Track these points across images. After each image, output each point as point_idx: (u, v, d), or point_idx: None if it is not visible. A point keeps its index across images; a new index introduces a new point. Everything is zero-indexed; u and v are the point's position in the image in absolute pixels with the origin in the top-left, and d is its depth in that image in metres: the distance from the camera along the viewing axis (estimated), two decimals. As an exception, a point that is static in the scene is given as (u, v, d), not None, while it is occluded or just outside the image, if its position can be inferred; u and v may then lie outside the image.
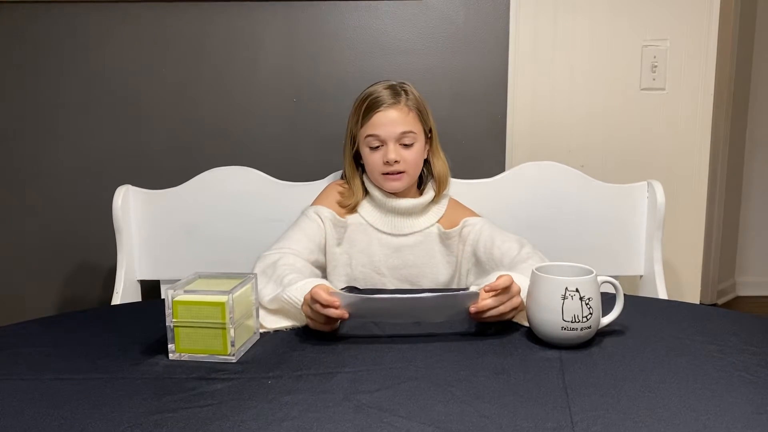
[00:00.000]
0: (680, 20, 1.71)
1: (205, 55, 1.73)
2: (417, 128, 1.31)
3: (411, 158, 1.31)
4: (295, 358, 0.91)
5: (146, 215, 1.55)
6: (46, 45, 1.72)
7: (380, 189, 1.34)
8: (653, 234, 1.52)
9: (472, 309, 0.96)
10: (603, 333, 0.97)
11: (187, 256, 1.56)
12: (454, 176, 1.43)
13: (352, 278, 1.34)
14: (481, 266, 1.31)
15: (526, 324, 0.99)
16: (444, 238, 1.35)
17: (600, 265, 1.01)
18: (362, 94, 1.33)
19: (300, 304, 1.00)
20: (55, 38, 1.72)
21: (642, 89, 1.74)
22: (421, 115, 1.33)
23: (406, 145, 1.30)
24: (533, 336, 0.96)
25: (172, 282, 1.18)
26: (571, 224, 1.57)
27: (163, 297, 1.10)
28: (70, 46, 1.72)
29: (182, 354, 0.91)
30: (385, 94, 1.30)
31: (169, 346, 0.91)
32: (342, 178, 1.42)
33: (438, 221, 1.36)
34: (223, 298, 0.89)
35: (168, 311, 0.90)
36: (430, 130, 1.36)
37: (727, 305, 3.00)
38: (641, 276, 1.57)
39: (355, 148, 1.35)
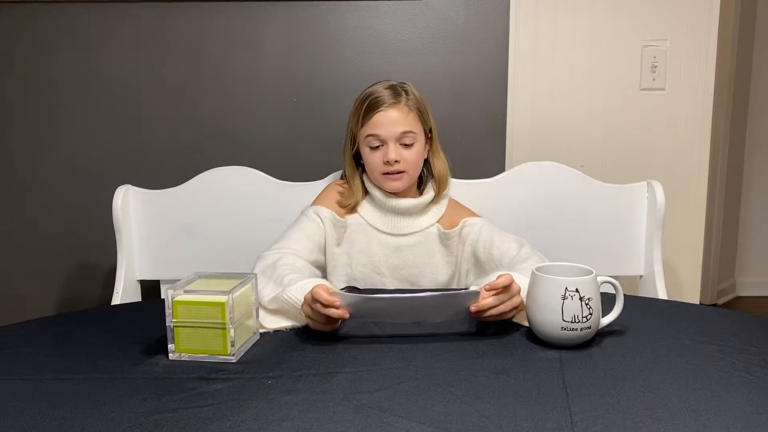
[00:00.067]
0: (680, 20, 1.71)
1: (205, 55, 1.73)
2: (417, 128, 1.31)
3: (411, 158, 1.31)
4: (295, 358, 0.91)
5: (146, 215, 1.55)
6: (46, 45, 1.72)
7: (380, 189, 1.34)
8: (653, 234, 1.52)
9: (473, 308, 0.96)
10: (603, 333, 0.97)
11: (187, 256, 1.56)
12: (454, 176, 1.43)
13: (352, 278, 1.34)
14: (480, 266, 1.31)
15: (526, 324, 0.99)
16: (444, 239, 1.35)
17: (600, 265, 1.01)
18: (362, 94, 1.33)
19: (300, 304, 1.00)
20: (55, 38, 1.72)
21: (642, 89, 1.74)
22: (422, 115, 1.33)
23: (407, 145, 1.30)
24: (533, 336, 0.96)
25: (172, 282, 1.18)
26: (570, 224, 1.57)
27: (163, 297, 1.10)
28: (70, 46, 1.72)
29: (182, 354, 0.91)
30: (385, 94, 1.30)
31: (169, 346, 0.91)
32: (342, 178, 1.42)
33: (438, 221, 1.36)
34: (223, 298, 0.89)
35: (168, 311, 0.90)
36: (430, 130, 1.36)
37: (727, 305, 3.00)
38: (641, 276, 1.57)
39: (355, 148, 1.35)
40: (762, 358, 0.89)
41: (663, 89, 1.74)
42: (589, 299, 0.91)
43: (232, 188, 1.57)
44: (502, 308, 0.97)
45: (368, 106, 1.30)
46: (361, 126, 1.31)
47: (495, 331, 1.00)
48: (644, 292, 1.54)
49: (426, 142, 1.36)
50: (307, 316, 0.99)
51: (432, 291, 1.00)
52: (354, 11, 1.72)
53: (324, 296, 0.94)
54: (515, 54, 1.73)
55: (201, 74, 1.74)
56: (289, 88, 1.75)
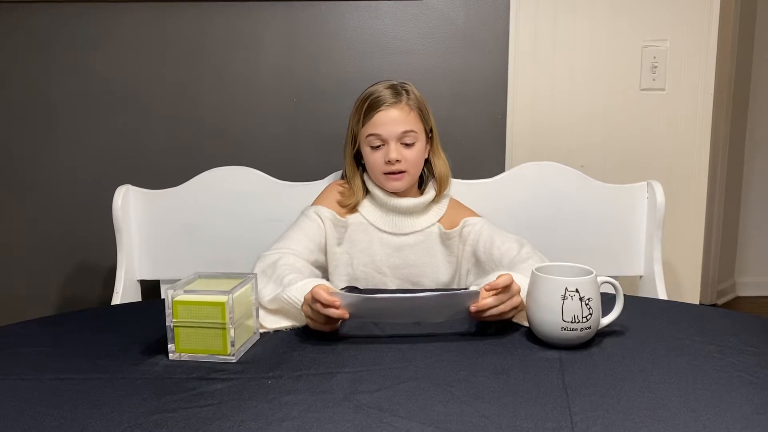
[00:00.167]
0: (680, 20, 1.71)
1: (205, 55, 1.73)
2: (418, 127, 1.31)
3: (412, 157, 1.31)
4: (294, 358, 0.91)
5: (146, 215, 1.55)
6: (46, 45, 1.72)
7: (381, 188, 1.34)
8: (653, 234, 1.52)
9: (473, 308, 0.96)
10: (603, 333, 0.97)
11: (187, 256, 1.56)
12: (454, 176, 1.43)
13: (354, 278, 1.34)
14: (480, 266, 1.31)
15: (526, 324, 0.99)
16: (444, 238, 1.36)
17: (600, 266, 1.01)
18: (363, 94, 1.33)
19: (300, 304, 1.00)
20: (55, 38, 1.72)
21: (642, 89, 1.74)
22: (422, 114, 1.33)
23: (407, 145, 1.30)
24: (533, 336, 0.96)
25: (172, 282, 1.18)
26: (570, 224, 1.57)
27: (163, 297, 1.10)
28: (70, 46, 1.72)
29: (182, 354, 0.91)
30: (386, 94, 1.30)
31: (169, 346, 0.91)
32: (342, 177, 1.42)
33: (438, 221, 1.37)
34: (223, 298, 0.89)
35: (168, 311, 0.90)
36: (431, 130, 1.36)
37: (727, 305, 3.00)
38: (641, 276, 1.57)
39: (356, 148, 1.35)
40: (762, 358, 0.89)
41: (663, 89, 1.74)
42: (589, 299, 0.91)
43: (232, 188, 1.57)
44: (501, 308, 0.97)
45: (369, 106, 1.30)
46: (362, 125, 1.31)
47: (495, 331, 1.00)
48: (644, 293, 1.54)
49: (427, 142, 1.36)
50: (307, 316, 0.99)
51: (432, 291, 1.00)
52: (354, 11, 1.72)
53: (324, 296, 0.94)
54: (515, 54, 1.73)
55: (201, 74, 1.74)
56: (289, 88, 1.75)
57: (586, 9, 1.71)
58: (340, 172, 1.49)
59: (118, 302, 1.47)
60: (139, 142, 1.76)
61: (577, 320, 0.91)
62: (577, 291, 0.90)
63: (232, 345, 0.90)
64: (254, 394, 0.80)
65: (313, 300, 0.96)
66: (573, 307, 0.90)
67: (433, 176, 1.38)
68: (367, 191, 1.37)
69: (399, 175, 1.31)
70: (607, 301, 0.97)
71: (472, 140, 1.76)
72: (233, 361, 0.90)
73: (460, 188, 1.46)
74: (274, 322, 1.03)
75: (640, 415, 0.73)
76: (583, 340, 0.93)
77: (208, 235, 1.56)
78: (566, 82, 1.75)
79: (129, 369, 0.87)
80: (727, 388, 0.80)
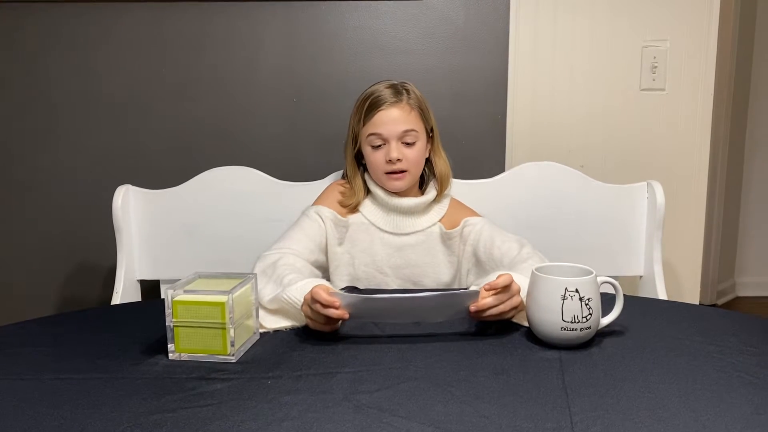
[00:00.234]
0: (680, 20, 1.71)
1: (205, 55, 1.73)
2: (419, 127, 1.31)
3: (413, 157, 1.31)
4: (294, 358, 0.91)
5: (146, 215, 1.55)
6: (46, 45, 1.72)
7: (382, 188, 1.34)
8: (653, 234, 1.52)
9: (472, 308, 0.96)
10: (603, 333, 0.97)
11: (187, 256, 1.56)
12: (454, 176, 1.43)
13: (355, 278, 1.34)
14: (481, 266, 1.31)
15: (526, 324, 0.99)
16: (445, 238, 1.36)
17: (600, 266, 1.01)
18: (364, 94, 1.33)
19: (300, 304, 1.00)
20: (55, 38, 1.72)
21: (642, 90, 1.74)
22: (423, 114, 1.33)
23: (408, 144, 1.30)
24: (533, 336, 0.96)
25: (171, 282, 1.18)
26: (570, 224, 1.57)
27: (162, 297, 1.10)
28: (70, 46, 1.72)
29: (182, 354, 0.91)
30: (386, 93, 1.30)
31: (169, 346, 0.91)
32: (343, 177, 1.42)
33: (439, 221, 1.37)
34: (222, 298, 0.89)
35: (168, 311, 0.90)
36: (432, 130, 1.36)
37: (727, 306, 3.00)
38: (641, 276, 1.57)
39: (357, 148, 1.35)
40: (761, 358, 0.89)
41: (663, 89, 1.74)
42: (588, 299, 0.91)
43: (232, 188, 1.57)
44: (501, 308, 0.97)
45: (370, 105, 1.30)
46: (363, 125, 1.31)
47: (495, 331, 1.00)
48: (644, 293, 1.54)
49: (427, 142, 1.36)
50: (307, 317, 0.99)
51: (431, 291, 1.00)
52: (354, 11, 1.72)
53: (323, 296, 0.94)
54: (515, 54, 1.73)
55: (201, 74, 1.74)
56: (289, 88, 1.75)
57: (586, 9, 1.71)
58: (340, 172, 1.49)
59: (118, 302, 1.47)
60: (139, 142, 1.76)
61: (576, 320, 0.91)
62: (576, 291, 0.90)
63: (232, 345, 0.90)
64: (254, 394, 0.80)
65: (312, 300, 0.96)
66: (573, 307, 0.90)
67: (434, 176, 1.38)
68: (368, 191, 1.37)
69: (400, 174, 1.31)
70: (607, 301, 0.97)
71: (472, 140, 1.76)
72: (233, 361, 0.90)
73: (460, 188, 1.46)
74: (273, 322, 1.03)
75: (640, 415, 0.73)
76: (583, 340, 0.93)
77: (208, 235, 1.56)
78: (566, 82, 1.75)
79: (129, 369, 0.87)
80: (726, 389, 0.80)
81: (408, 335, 0.98)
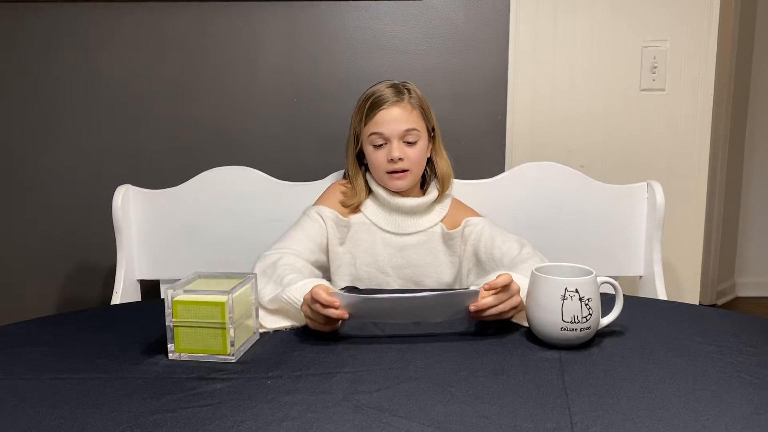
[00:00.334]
0: (680, 21, 1.71)
1: (205, 55, 1.73)
2: (420, 126, 1.32)
3: (414, 156, 1.31)
4: (294, 358, 0.91)
5: (146, 215, 1.55)
6: (46, 45, 1.72)
7: (384, 188, 1.34)
8: (653, 234, 1.52)
9: (472, 307, 0.96)
10: (602, 333, 0.97)
11: (186, 256, 1.56)
12: (454, 176, 1.43)
13: (357, 278, 1.34)
14: (481, 266, 1.31)
15: (526, 324, 0.99)
16: (447, 239, 1.36)
17: (599, 266, 1.01)
18: (365, 93, 1.33)
19: (299, 304, 1.00)
20: (55, 38, 1.72)
21: (642, 90, 1.74)
22: (424, 113, 1.33)
23: (410, 143, 1.30)
24: (533, 336, 0.96)
25: (171, 282, 1.18)
26: (570, 225, 1.57)
27: (162, 297, 1.10)
28: (70, 46, 1.72)
29: (182, 354, 0.91)
30: (388, 93, 1.30)
31: (169, 345, 0.91)
32: (344, 177, 1.42)
33: (441, 221, 1.37)
34: (222, 298, 0.89)
35: (167, 311, 0.90)
36: (433, 129, 1.36)
37: (727, 306, 3.00)
38: (641, 276, 1.57)
39: (358, 147, 1.35)
40: (761, 358, 0.89)
41: (663, 90, 1.74)
42: (588, 300, 0.91)
43: (232, 188, 1.57)
44: (501, 308, 0.97)
45: (371, 105, 1.30)
46: (365, 124, 1.31)
47: (495, 331, 1.00)
48: (644, 293, 1.54)
49: (429, 141, 1.36)
50: (307, 317, 0.99)
51: (431, 291, 1.00)
52: (354, 11, 1.72)
53: (323, 296, 0.94)
54: (515, 54, 1.73)
55: (201, 74, 1.74)
56: (289, 88, 1.75)
57: (586, 9, 1.71)
58: (340, 172, 1.50)
59: (117, 302, 1.47)
60: (139, 142, 1.76)
61: (576, 320, 0.91)
62: (576, 291, 0.90)
63: (232, 345, 0.90)
64: (254, 394, 0.80)
65: (312, 300, 0.96)
66: (573, 308, 0.90)
67: (436, 176, 1.38)
68: (369, 191, 1.37)
69: (402, 173, 1.31)
70: (607, 301, 0.97)
71: (472, 140, 1.76)
72: (233, 361, 0.90)
73: (460, 188, 1.46)
74: (273, 322, 1.03)
75: (640, 416, 0.73)
76: (583, 341, 0.93)
77: (208, 235, 1.56)
78: (566, 82, 1.75)
79: (129, 369, 0.87)
80: (726, 389, 0.80)
81: (408, 335, 0.98)
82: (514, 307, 1.00)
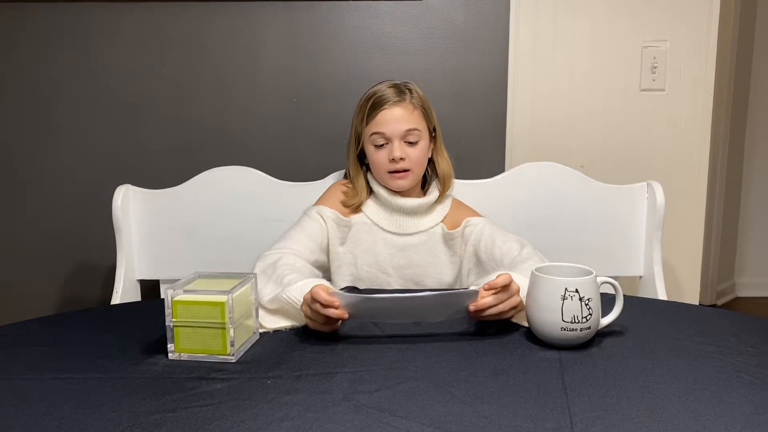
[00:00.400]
0: (680, 21, 1.71)
1: (206, 55, 1.73)
2: (422, 126, 1.32)
3: (416, 156, 1.31)
4: (294, 358, 0.91)
5: (146, 215, 1.55)
6: (46, 45, 1.72)
7: (386, 188, 1.34)
8: (653, 235, 1.52)
9: (472, 307, 0.96)
10: (602, 333, 0.97)
11: (186, 256, 1.56)
12: (454, 176, 1.43)
13: (358, 278, 1.34)
14: (482, 266, 1.31)
15: (526, 324, 0.99)
16: (447, 239, 1.36)
17: (599, 266, 1.01)
18: (366, 93, 1.33)
19: (299, 304, 1.00)
20: (55, 38, 1.72)
21: (642, 90, 1.74)
22: (426, 113, 1.33)
23: (411, 143, 1.31)
24: (533, 336, 0.96)
25: (171, 282, 1.18)
26: (570, 225, 1.57)
27: (162, 297, 1.10)
28: (70, 46, 1.72)
29: (182, 354, 0.91)
30: (389, 93, 1.30)
31: (169, 345, 0.91)
32: (345, 177, 1.42)
33: (442, 221, 1.37)
34: (222, 298, 0.89)
35: (167, 311, 0.90)
36: (434, 129, 1.36)
37: (727, 306, 3.00)
38: (641, 277, 1.57)
39: (359, 147, 1.35)
40: (761, 358, 0.89)
41: (663, 90, 1.74)
42: (588, 300, 0.91)
43: (232, 188, 1.57)
44: (501, 308, 0.97)
45: (373, 105, 1.30)
46: (366, 124, 1.31)
47: (494, 331, 1.00)
48: (644, 293, 1.54)
49: (430, 141, 1.36)
50: (307, 317, 0.99)
51: (431, 291, 1.00)
52: (354, 11, 1.72)
53: (323, 296, 0.94)
54: (515, 54, 1.73)
55: (201, 74, 1.74)
56: (289, 88, 1.75)
57: (586, 9, 1.72)
58: (340, 172, 1.50)
59: (117, 302, 1.47)
60: (139, 142, 1.76)
61: (576, 320, 0.91)
62: (576, 291, 0.90)
63: (232, 345, 0.90)
64: (254, 394, 0.80)
65: (312, 300, 0.96)
66: (573, 308, 0.90)
67: (437, 176, 1.38)
68: (370, 191, 1.37)
69: (403, 173, 1.31)
70: (607, 301, 0.97)
71: (472, 140, 1.76)
72: (233, 360, 0.90)
73: (460, 188, 1.46)
74: (273, 322, 1.03)
75: (640, 416, 0.73)
76: (583, 341, 0.93)
77: (208, 235, 1.56)
78: (566, 82, 1.75)
79: (128, 369, 0.87)
80: (726, 389, 0.80)
81: (408, 335, 0.98)
82: (514, 307, 1.00)
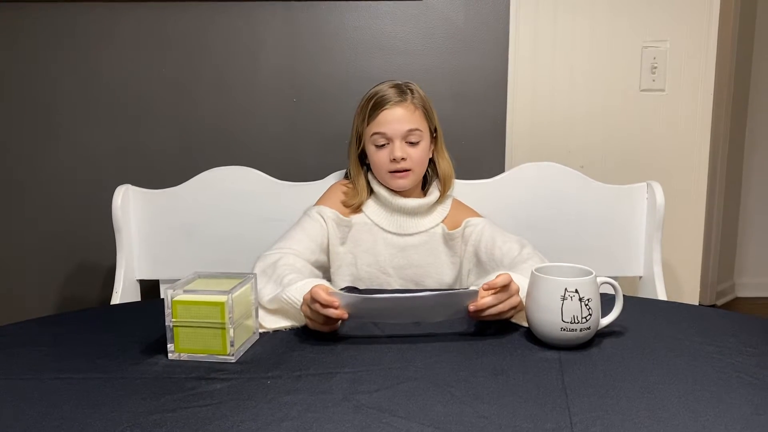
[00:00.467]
0: (680, 21, 1.71)
1: (206, 55, 1.73)
2: (423, 126, 1.32)
3: (417, 156, 1.31)
4: (294, 358, 0.91)
5: (146, 215, 1.55)
6: (45, 45, 1.72)
7: (386, 188, 1.34)
8: (652, 235, 1.52)
9: (471, 307, 0.96)
10: (602, 334, 0.97)
11: (186, 256, 1.56)
12: (455, 177, 1.43)
13: (358, 278, 1.34)
14: (482, 266, 1.31)
15: (526, 324, 0.99)
16: (447, 239, 1.36)
17: (599, 266, 1.01)
18: (368, 93, 1.33)
19: (299, 304, 1.00)
20: (55, 38, 1.71)
21: (642, 90, 1.74)
22: (427, 113, 1.34)
23: (412, 143, 1.31)
24: (532, 336, 0.96)
25: (171, 282, 1.18)
26: (570, 225, 1.57)
27: (162, 297, 1.10)
28: (70, 46, 1.72)
29: (181, 354, 0.91)
30: (391, 93, 1.30)
31: (169, 345, 0.91)
32: (345, 177, 1.42)
33: (442, 221, 1.37)
34: (222, 298, 0.89)
35: (167, 311, 0.90)
36: (436, 130, 1.37)
37: (726, 306, 3.00)
38: (640, 277, 1.57)
39: (360, 147, 1.36)
40: (761, 359, 0.89)
41: (663, 90, 1.74)
42: (588, 300, 0.91)
43: (232, 188, 1.57)
44: (500, 308, 0.97)
45: (374, 105, 1.30)
46: (367, 124, 1.31)
47: (494, 331, 1.00)
48: (644, 293, 1.54)
49: (431, 142, 1.36)
50: (306, 317, 0.99)
51: (431, 291, 1.00)
52: (354, 11, 1.72)
53: (323, 296, 0.94)
54: (515, 54, 1.73)
55: (201, 74, 1.74)
56: (289, 88, 1.75)
57: (586, 9, 1.72)
58: (339, 172, 1.50)
59: (117, 302, 1.47)
60: (139, 142, 1.76)
61: (576, 321, 0.91)
62: (576, 291, 0.90)
63: (232, 345, 0.90)
64: (253, 394, 0.80)
65: (312, 300, 0.96)
66: (572, 308, 0.90)
67: (437, 176, 1.38)
68: (371, 191, 1.37)
69: (404, 173, 1.31)
70: (607, 301, 0.97)
71: (472, 140, 1.76)
72: (232, 361, 0.90)
73: (460, 188, 1.46)
74: (273, 322, 1.03)
75: (640, 416, 0.73)
76: (583, 341, 0.93)
77: (208, 235, 1.56)
78: (566, 82, 1.75)
79: (128, 369, 0.87)
80: (726, 389, 0.80)
81: (408, 335, 0.99)
82: (514, 307, 1.00)
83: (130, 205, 1.53)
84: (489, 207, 1.44)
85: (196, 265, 1.49)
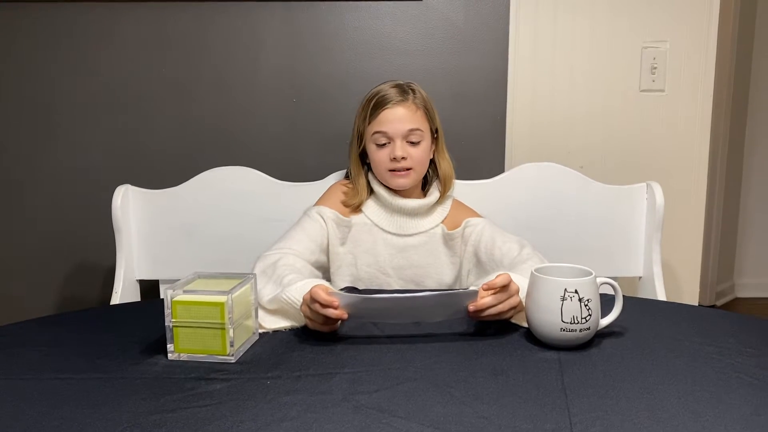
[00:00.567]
0: (680, 22, 1.71)
1: (206, 55, 1.73)
2: (424, 126, 1.32)
3: (418, 156, 1.31)
4: (294, 358, 0.91)
5: (146, 215, 1.55)
6: (46, 45, 1.72)
7: (386, 188, 1.34)
8: (652, 235, 1.52)
9: (471, 307, 0.96)
10: (602, 334, 0.97)
11: (186, 256, 1.56)
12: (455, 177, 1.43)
13: (357, 278, 1.34)
14: (481, 267, 1.31)
15: (525, 325, 0.99)
16: (447, 239, 1.36)
17: (599, 267, 1.01)
18: (370, 93, 1.34)
19: (299, 304, 1.00)
20: (54, 38, 1.71)
21: (641, 90, 1.75)
22: (428, 113, 1.34)
23: (413, 143, 1.31)
24: (532, 337, 0.96)
25: (171, 282, 1.18)
26: (570, 225, 1.57)
27: (162, 297, 1.10)
28: (70, 46, 1.72)
29: (181, 354, 0.91)
30: (392, 92, 1.31)
31: (168, 346, 0.91)
32: (345, 177, 1.42)
33: (442, 222, 1.37)
34: (222, 299, 0.89)
35: (167, 311, 0.90)
36: (437, 130, 1.37)
37: (726, 307, 3.00)
38: (640, 277, 1.57)
39: (361, 147, 1.36)
40: (760, 359, 0.89)
41: (662, 90, 1.74)
42: (588, 300, 0.91)
43: (232, 188, 1.57)
44: (500, 308, 0.98)
45: (376, 104, 1.30)
46: (368, 123, 1.31)
47: (494, 331, 1.00)
48: (643, 294, 1.54)
49: (432, 142, 1.36)
50: (306, 317, 0.99)
51: (431, 291, 1.00)
52: (354, 11, 1.72)
53: (322, 296, 0.94)
54: (515, 54, 1.73)
55: (201, 74, 1.74)
56: (289, 88, 1.75)
57: (586, 9, 1.72)
58: (340, 172, 1.50)
59: (117, 302, 1.47)
60: (139, 142, 1.76)
61: (576, 321, 0.91)
62: (576, 292, 0.91)
63: (231, 345, 0.90)
64: (253, 394, 0.80)
65: (311, 300, 0.96)
66: (572, 308, 0.90)
67: (437, 177, 1.39)
68: (371, 191, 1.37)
69: (404, 172, 1.31)
70: (607, 302, 0.97)
71: (472, 141, 1.76)
72: (232, 361, 0.90)
73: (460, 189, 1.46)
74: (273, 323, 1.03)
75: (639, 416, 0.73)
76: (582, 341, 0.93)
77: (208, 235, 1.56)
78: (566, 82, 1.75)
79: (128, 369, 0.87)
80: (726, 389, 0.80)
81: (407, 335, 0.99)
82: (513, 308, 1.00)
83: (130, 205, 1.53)
84: (489, 207, 1.44)
85: (196, 266, 1.49)
